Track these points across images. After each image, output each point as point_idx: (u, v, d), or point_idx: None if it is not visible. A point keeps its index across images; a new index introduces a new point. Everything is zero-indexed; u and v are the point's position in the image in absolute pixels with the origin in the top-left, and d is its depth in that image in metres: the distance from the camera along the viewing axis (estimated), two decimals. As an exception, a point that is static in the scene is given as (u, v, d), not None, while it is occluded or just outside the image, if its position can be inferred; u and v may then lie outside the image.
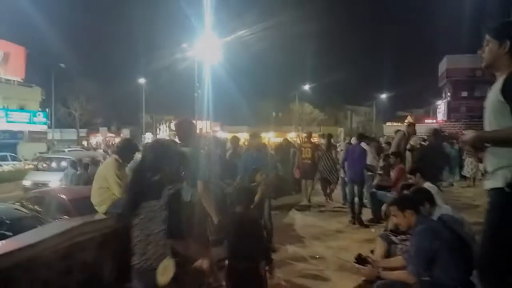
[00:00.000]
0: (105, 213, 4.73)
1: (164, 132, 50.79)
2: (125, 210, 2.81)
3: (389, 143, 10.55)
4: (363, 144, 8.57)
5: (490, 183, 2.60)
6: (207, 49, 29.27)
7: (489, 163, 2.62)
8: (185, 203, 2.91)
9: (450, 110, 36.42)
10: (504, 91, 2.49)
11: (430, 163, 6.93)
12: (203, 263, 2.79)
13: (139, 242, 2.66)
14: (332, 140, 11.15)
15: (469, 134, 2.64)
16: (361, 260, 3.70)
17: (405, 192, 4.14)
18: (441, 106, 42.78)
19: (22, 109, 34.18)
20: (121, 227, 4.66)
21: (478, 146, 2.65)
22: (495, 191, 2.56)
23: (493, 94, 2.59)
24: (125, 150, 5.10)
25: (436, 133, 7.61)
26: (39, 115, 34.99)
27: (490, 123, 2.62)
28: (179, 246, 2.64)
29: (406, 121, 44.93)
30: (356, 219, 7.77)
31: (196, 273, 2.75)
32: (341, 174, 9.21)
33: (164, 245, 2.58)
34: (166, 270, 2.51)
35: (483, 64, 2.74)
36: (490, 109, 2.61)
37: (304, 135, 39.26)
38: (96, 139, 51.01)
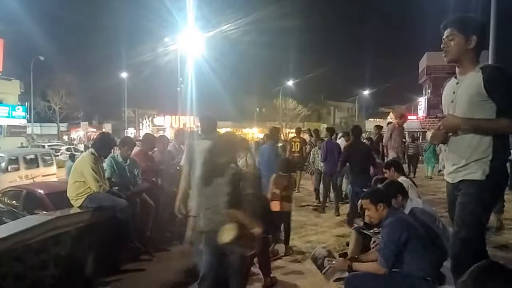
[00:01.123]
0: (80, 207, 4.69)
1: (147, 127, 50.29)
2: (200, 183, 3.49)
3: (369, 139, 10.68)
4: (341, 140, 8.74)
5: (462, 175, 2.65)
6: (190, 43, 29.04)
7: (458, 155, 2.67)
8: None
9: (430, 106, 36.94)
10: (488, 85, 2.52)
11: (353, 160, 7.23)
12: (255, 230, 3.32)
13: (206, 210, 3.35)
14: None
15: (447, 120, 2.66)
16: (341, 254, 3.79)
17: (378, 185, 4.20)
18: (422, 102, 43.38)
19: (0, 103, 33.44)
20: (97, 221, 4.68)
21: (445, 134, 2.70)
22: (471, 182, 2.60)
23: (470, 88, 2.61)
24: (102, 145, 5.05)
25: (355, 130, 7.74)
26: (18, 109, 34.24)
27: (464, 116, 2.63)
28: (238, 215, 3.28)
29: (388, 117, 45.42)
30: (321, 208, 8.47)
31: (250, 237, 3.31)
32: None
33: (226, 214, 3.24)
34: (228, 232, 3.15)
35: (447, 59, 2.75)
36: (467, 103, 2.63)
37: (289, 130, 39.29)
38: (77, 133, 50.32)
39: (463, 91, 2.67)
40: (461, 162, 2.66)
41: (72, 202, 4.76)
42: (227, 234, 3.14)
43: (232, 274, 3.40)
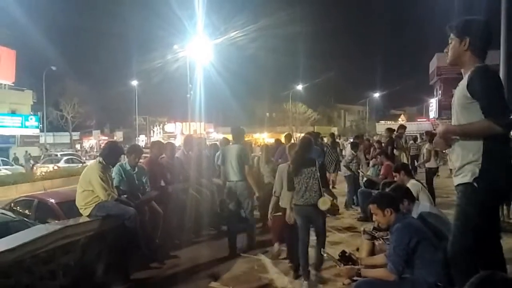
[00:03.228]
0: (88, 216, 4.71)
1: (158, 134, 50.57)
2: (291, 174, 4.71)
3: (379, 142, 10.61)
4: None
5: (458, 179, 2.64)
6: (199, 50, 29.22)
7: (457, 158, 2.65)
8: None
9: (441, 107, 36.65)
10: (470, 86, 2.52)
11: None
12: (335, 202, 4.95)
13: (300, 189, 4.58)
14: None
15: (439, 127, 2.70)
16: (344, 257, 3.70)
17: (386, 189, 4.15)
18: (433, 104, 43.02)
19: (13, 113, 33.94)
20: (106, 229, 4.70)
21: (447, 139, 2.69)
22: (464, 185, 2.59)
23: (459, 91, 2.63)
24: (110, 153, 5.08)
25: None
26: (31, 119, 34.71)
27: (458, 120, 2.66)
28: (327, 192, 4.84)
29: (399, 119, 45.19)
30: None
31: (334, 206, 4.87)
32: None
33: (317, 191, 4.54)
34: (324, 203, 4.50)
35: (447, 62, 2.82)
36: (457, 105, 2.65)
37: (299, 135, 39.25)
38: (89, 142, 50.79)
39: (456, 94, 2.69)
40: (457, 166, 2.66)
41: (81, 211, 4.79)
42: (324, 204, 4.48)
43: (319, 232, 4.71)
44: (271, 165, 7.01)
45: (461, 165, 2.60)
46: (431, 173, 9.59)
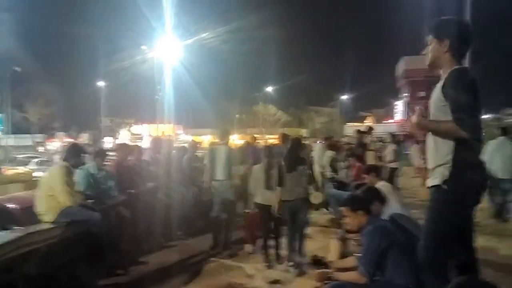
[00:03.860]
0: (50, 222, 4.50)
1: (125, 136, 49.50)
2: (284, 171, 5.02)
3: (348, 144, 10.71)
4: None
5: (430, 181, 2.65)
6: (168, 51, 28.85)
7: (431, 160, 2.66)
8: None
9: (410, 109, 37.52)
10: (444, 88, 2.52)
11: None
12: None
13: (290, 185, 4.95)
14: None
15: (413, 118, 2.68)
16: (315, 261, 3.68)
17: (357, 191, 4.16)
18: (399, 106, 44.13)
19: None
20: (69, 236, 4.49)
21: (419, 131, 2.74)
22: (434, 188, 2.60)
23: (436, 92, 2.63)
24: (72, 154, 4.88)
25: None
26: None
27: None
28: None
29: (365, 121, 45.98)
30: None
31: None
32: None
33: (305, 187, 5.11)
34: (316, 197, 5.47)
35: (426, 64, 2.77)
36: (433, 107, 2.65)
37: (268, 136, 39.28)
38: (53, 144, 49.16)
39: (433, 95, 2.69)
40: (430, 168, 2.68)
41: (41, 217, 4.57)
42: (317, 199, 5.41)
43: (302, 225, 5.13)
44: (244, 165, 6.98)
45: (433, 167, 2.61)
46: (394, 174, 9.73)
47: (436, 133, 2.59)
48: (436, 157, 2.59)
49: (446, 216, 2.56)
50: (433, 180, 2.60)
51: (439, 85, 2.61)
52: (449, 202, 2.54)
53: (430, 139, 2.68)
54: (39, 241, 4.17)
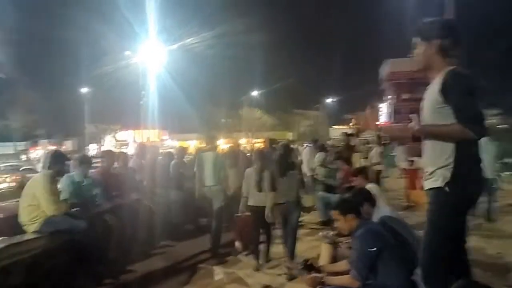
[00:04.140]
0: (34, 232, 4.38)
1: (110, 142, 48.90)
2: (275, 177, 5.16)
3: (333, 146, 10.74)
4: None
5: (430, 183, 2.61)
6: (152, 56, 28.68)
7: (428, 162, 2.63)
8: None
9: (395, 112, 37.87)
10: (443, 91, 2.48)
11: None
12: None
13: (283, 189, 5.10)
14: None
15: (412, 125, 2.62)
16: (307, 265, 3.64)
17: (347, 194, 4.15)
18: (383, 108, 44.56)
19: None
20: (54, 246, 4.38)
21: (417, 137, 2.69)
22: (435, 190, 2.56)
23: (431, 94, 2.58)
24: (55, 161, 4.77)
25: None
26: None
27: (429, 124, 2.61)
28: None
29: (350, 124, 46.41)
30: None
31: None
32: None
33: (296, 191, 5.24)
34: (307, 200, 5.62)
35: (416, 67, 2.74)
36: (429, 109, 2.61)
37: (255, 140, 39.23)
38: (36, 152, 48.30)
39: (426, 97, 2.65)
40: (429, 170, 2.63)
41: (25, 227, 4.44)
42: (309, 202, 5.38)
43: (293, 227, 5.16)
44: (234, 169, 6.97)
45: (433, 169, 2.58)
46: (379, 175, 9.76)
47: (441, 137, 2.54)
48: (436, 160, 2.55)
49: (447, 218, 2.55)
50: (434, 182, 2.56)
51: (434, 88, 2.56)
52: (450, 204, 2.52)
53: (428, 142, 2.64)
54: (22, 251, 4.07)
